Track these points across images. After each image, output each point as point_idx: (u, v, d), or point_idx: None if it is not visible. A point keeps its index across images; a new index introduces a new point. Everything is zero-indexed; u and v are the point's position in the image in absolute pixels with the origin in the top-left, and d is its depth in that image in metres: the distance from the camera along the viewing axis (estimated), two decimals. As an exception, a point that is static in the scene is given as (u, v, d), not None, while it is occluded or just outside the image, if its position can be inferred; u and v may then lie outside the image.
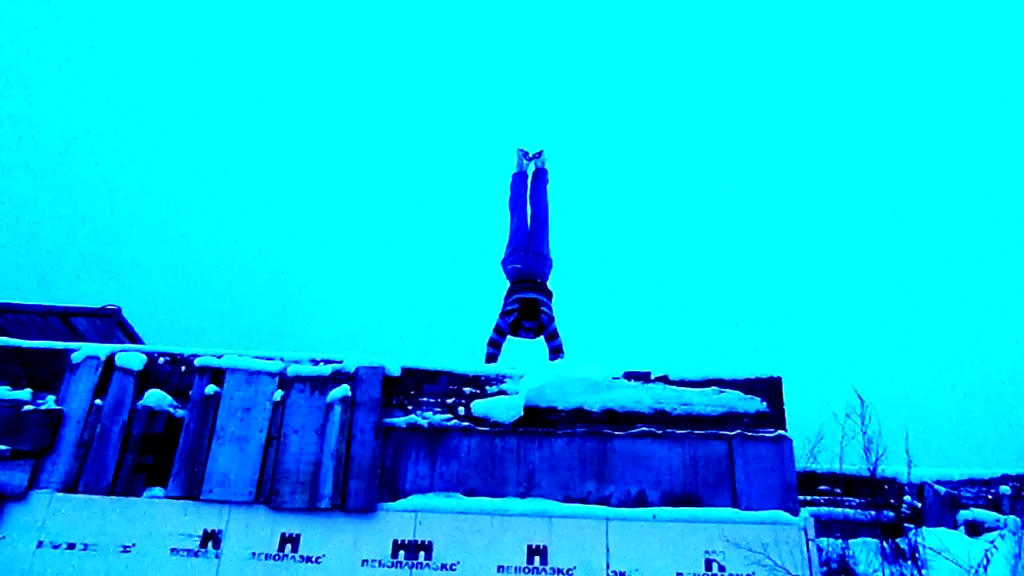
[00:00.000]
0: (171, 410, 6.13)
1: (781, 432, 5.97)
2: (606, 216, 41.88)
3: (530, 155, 9.14)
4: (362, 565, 5.50)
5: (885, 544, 6.50)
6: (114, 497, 5.75)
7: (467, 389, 6.27)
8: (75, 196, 41.28)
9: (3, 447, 5.85)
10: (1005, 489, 7.59)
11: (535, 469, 5.90)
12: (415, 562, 5.50)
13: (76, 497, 5.74)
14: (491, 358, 7.73)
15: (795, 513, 5.62)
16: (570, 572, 5.44)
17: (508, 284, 8.35)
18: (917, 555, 6.11)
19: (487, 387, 6.28)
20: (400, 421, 6.10)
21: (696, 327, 38.58)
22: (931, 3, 42.72)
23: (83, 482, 5.81)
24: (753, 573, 5.34)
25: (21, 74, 40.46)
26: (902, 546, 6.38)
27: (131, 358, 6.29)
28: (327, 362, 6.27)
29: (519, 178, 9.04)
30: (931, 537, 6.34)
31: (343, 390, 6.09)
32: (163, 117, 44.41)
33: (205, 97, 45.23)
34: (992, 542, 6.08)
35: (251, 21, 45.68)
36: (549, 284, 8.39)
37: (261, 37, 45.91)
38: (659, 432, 5.99)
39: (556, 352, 7.81)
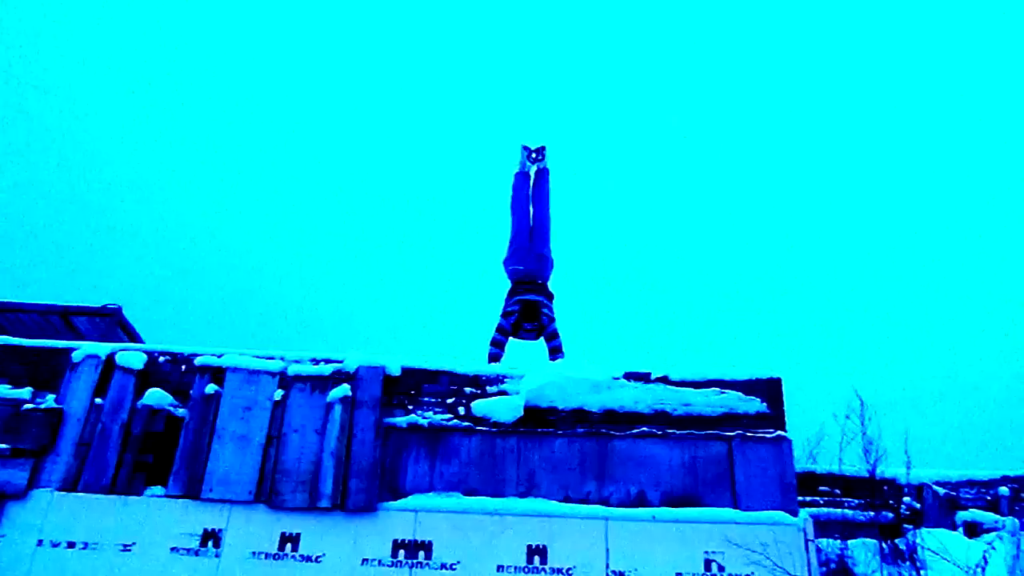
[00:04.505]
0: (171, 409, 6.14)
1: (781, 433, 5.97)
2: (608, 216, 41.90)
3: (533, 150, 9.10)
4: (362, 564, 5.51)
5: (884, 545, 6.50)
6: (114, 496, 5.76)
7: (468, 389, 6.27)
8: (75, 195, 41.28)
9: (3, 446, 5.86)
10: (1004, 490, 7.59)
11: (535, 469, 5.90)
12: (415, 561, 5.51)
13: (76, 496, 5.75)
14: (494, 358, 7.74)
15: (794, 514, 5.62)
16: (570, 572, 5.44)
17: (510, 284, 8.36)
18: (916, 556, 6.11)
19: (488, 387, 6.28)
20: (400, 421, 6.10)
21: (697, 328, 38.59)
22: (931, 3, 42.71)
23: (83, 481, 5.82)
24: (752, 573, 5.34)
25: (22, 73, 40.44)
26: (901, 547, 6.38)
27: (131, 357, 6.30)
28: (328, 362, 6.27)
29: (521, 178, 9.02)
30: (930, 538, 6.33)
31: (343, 390, 6.10)
32: (165, 116, 44.43)
33: (207, 96, 45.23)
34: (991, 543, 6.09)
35: (253, 21, 45.65)
36: (550, 285, 8.40)
37: (261, 36, 45.91)
38: (659, 432, 5.99)
39: (556, 352, 7.82)
